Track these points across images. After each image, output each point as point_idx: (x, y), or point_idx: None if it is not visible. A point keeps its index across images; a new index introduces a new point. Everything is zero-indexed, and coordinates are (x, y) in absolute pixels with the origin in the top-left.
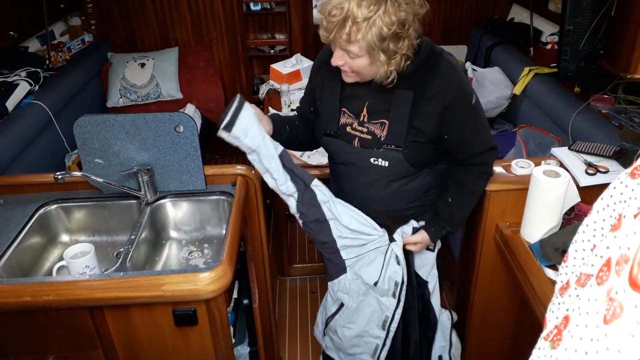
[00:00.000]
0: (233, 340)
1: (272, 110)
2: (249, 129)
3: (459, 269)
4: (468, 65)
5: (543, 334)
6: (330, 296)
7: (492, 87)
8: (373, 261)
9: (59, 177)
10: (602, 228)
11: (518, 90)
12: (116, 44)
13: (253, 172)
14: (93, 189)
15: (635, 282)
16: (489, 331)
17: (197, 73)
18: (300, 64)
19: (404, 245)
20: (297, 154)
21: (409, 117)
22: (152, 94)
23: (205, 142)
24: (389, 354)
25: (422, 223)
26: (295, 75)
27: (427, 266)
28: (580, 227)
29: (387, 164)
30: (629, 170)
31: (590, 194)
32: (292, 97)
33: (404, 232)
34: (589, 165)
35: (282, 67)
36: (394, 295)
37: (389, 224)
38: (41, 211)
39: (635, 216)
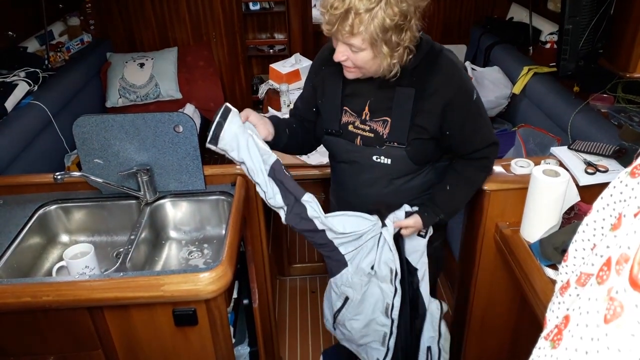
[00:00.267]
0: (233, 340)
1: (271, 110)
2: (234, 143)
3: (458, 269)
4: (467, 64)
5: (543, 334)
6: (333, 292)
7: (491, 86)
8: (370, 249)
9: (59, 177)
10: (602, 227)
11: (517, 89)
12: (115, 44)
13: None
14: (92, 189)
15: (636, 281)
16: (489, 330)
17: (196, 73)
18: (300, 63)
19: (399, 230)
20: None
21: (411, 115)
22: (151, 94)
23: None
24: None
25: (416, 208)
26: (294, 75)
27: (418, 253)
28: (580, 227)
29: (389, 161)
30: (628, 169)
31: (589, 193)
32: (292, 97)
33: (395, 217)
34: (589, 164)
35: (282, 66)
36: (391, 282)
37: (382, 210)
38: (41, 211)
39: (635, 215)
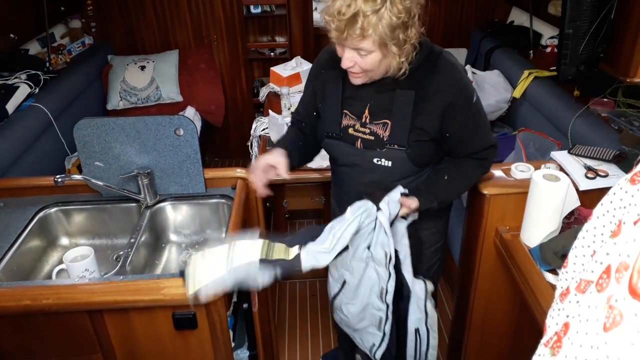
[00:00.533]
0: (232, 344)
1: (271, 113)
2: (217, 283)
3: (459, 273)
4: (468, 68)
5: (543, 340)
6: (331, 276)
7: (491, 90)
8: (369, 233)
9: (59, 180)
10: (602, 234)
11: (518, 93)
12: (116, 47)
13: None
14: (93, 192)
15: (635, 290)
16: (489, 335)
17: (197, 75)
18: (300, 66)
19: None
20: None
21: (411, 117)
22: (152, 97)
23: (205, 144)
24: None
25: (406, 190)
26: (295, 78)
27: (399, 234)
28: (580, 233)
29: (390, 164)
30: (628, 176)
31: (590, 198)
32: (292, 100)
33: (390, 198)
34: (589, 169)
35: (282, 69)
36: (385, 267)
37: (375, 193)
38: (41, 214)
39: (635, 223)
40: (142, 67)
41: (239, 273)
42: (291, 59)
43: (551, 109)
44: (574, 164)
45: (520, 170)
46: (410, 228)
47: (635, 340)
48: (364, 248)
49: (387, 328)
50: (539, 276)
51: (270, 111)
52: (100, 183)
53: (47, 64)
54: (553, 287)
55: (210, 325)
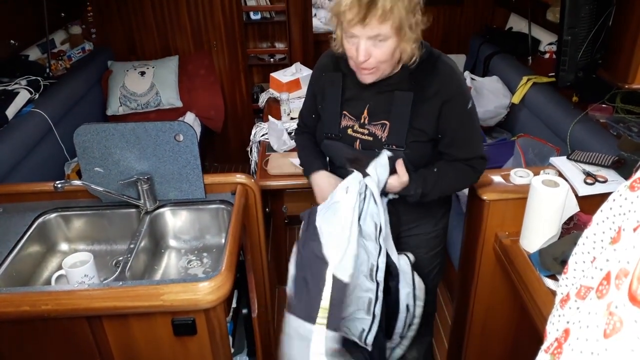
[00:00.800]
0: (232, 350)
1: (271, 119)
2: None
3: (458, 278)
4: (467, 74)
5: (543, 347)
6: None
7: (490, 96)
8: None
9: (59, 186)
10: (602, 240)
11: (516, 99)
12: (116, 52)
13: (253, 180)
14: (92, 197)
15: (635, 296)
16: (488, 340)
17: (197, 81)
18: (300, 72)
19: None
20: (297, 161)
21: (409, 118)
22: (152, 102)
23: (205, 149)
24: None
25: (391, 154)
26: (295, 84)
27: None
28: (580, 239)
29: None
30: (627, 183)
31: (589, 204)
32: (292, 106)
33: (377, 164)
34: (588, 174)
35: (282, 75)
36: (375, 240)
37: (361, 160)
38: (40, 220)
39: (634, 229)
40: (142, 73)
41: None
42: (291, 65)
43: (550, 114)
44: (573, 170)
45: (519, 175)
46: (390, 206)
47: (636, 347)
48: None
49: (378, 309)
50: (539, 282)
51: (269, 117)
52: (100, 189)
53: (47, 70)
54: (552, 293)
55: (210, 331)
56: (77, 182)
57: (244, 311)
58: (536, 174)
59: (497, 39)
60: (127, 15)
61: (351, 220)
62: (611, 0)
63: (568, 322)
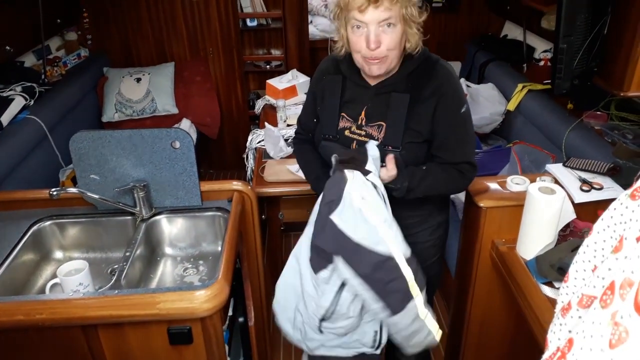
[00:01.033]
0: (228, 359)
1: (267, 126)
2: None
3: (455, 285)
4: (462, 81)
5: (545, 356)
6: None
7: (486, 103)
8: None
9: (55, 193)
10: (603, 249)
11: (512, 106)
12: (112, 59)
13: (249, 187)
14: (88, 205)
15: None
16: (485, 347)
17: (193, 88)
18: (296, 79)
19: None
20: (294, 168)
21: (405, 119)
22: (148, 109)
23: (200, 156)
24: None
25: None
26: (291, 91)
27: None
28: (581, 248)
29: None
30: (628, 191)
31: (585, 211)
32: (288, 112)
33: (372, 157)
34: (584, 181)
35: (278, 82)
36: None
37: (352, 155)
38: (35, 227)
39: (637, 239)
40: (138, 80)
41: None
42: (287, 72)
43: (545, 121)
44: (569, 177)
45: (515, 183)
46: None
47: None
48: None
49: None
50: (536, 289)
51: (266, 123)
52: (96, 196)
53: (43, 76)
54: (549, 300)
55: (206, 340)
56: (73, 190)
57: (241, 319)
58: (532, 181)
59: (492, 46)
60: (123, 22)
61: (384, 217)
62: (606, 9)
63: (571, 332)
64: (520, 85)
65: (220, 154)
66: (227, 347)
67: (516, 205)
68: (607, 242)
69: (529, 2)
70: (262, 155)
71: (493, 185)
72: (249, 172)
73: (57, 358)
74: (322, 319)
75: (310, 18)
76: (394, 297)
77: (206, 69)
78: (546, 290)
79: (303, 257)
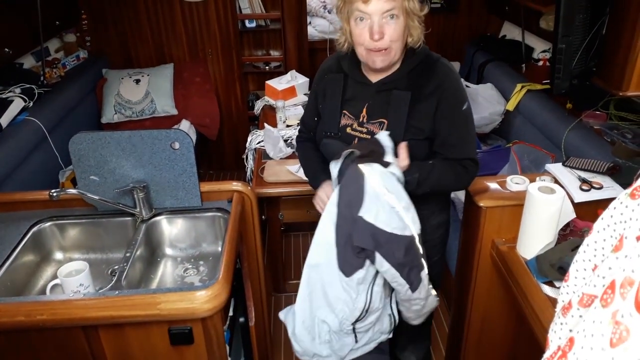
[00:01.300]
0: (229, 359)
1: (267, 126)
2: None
3: (455, 285)
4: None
5: (546, 355)
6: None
7: (485, 103)
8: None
9: (55, 194)
10: (603, 248)
11: (511, 106)
12: (111, 60)
13: (249, 188)
14: (88, 206)
15: None
16: (486, 347)
17: (192, 89)
18: (295, 80)
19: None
20: (293, 168)
21: (406, 116)
22: (147, 110)
23: (200, 157)
24: None
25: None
26: (290, 92)
27: None
28: (581, 247)
29: None
30: (628, 190)
31: (585, 210)
32: (287, 113)
33: (388, 148)
34: (583, 181)
35: (277, 83)
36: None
37: (369, 148)
38: (35, 229)
39: (637, 238)
40: (137, 81)
41: None
42: (286, 73)
43: (544, 121)
44: (568, 177)
45: (515, 182)
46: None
47: None
48: None
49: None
50: (536, 288)
51: (265, 124)
52: (96, 197)
53: (42, 78)
54: (550, 299)
55: (207, 341)
56: (73, 191)
57: (241, 320)
58: (532, 180)
59: (491, 46)
60: (122, 23)
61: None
62: (605, 9)
63: (571, 331)
64: (519, 85)
65: (220, 154)
66: (227, 348)
67: (516, 204)
68: (607, 241)
69: (528, 2)
70: (261, 155)
71: (493, 185)
72: (248, 173)
73: (58, 359)
74: (357, 320)
75: (308, 19)
76: (414, 273)
77: (205, 70)
78: (546, 289)
79: (325, 266)
